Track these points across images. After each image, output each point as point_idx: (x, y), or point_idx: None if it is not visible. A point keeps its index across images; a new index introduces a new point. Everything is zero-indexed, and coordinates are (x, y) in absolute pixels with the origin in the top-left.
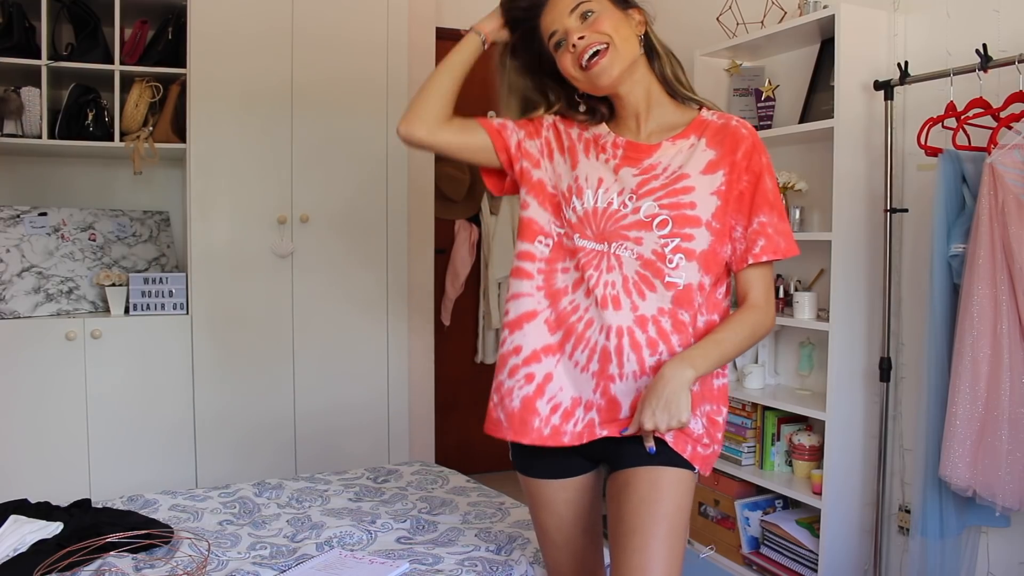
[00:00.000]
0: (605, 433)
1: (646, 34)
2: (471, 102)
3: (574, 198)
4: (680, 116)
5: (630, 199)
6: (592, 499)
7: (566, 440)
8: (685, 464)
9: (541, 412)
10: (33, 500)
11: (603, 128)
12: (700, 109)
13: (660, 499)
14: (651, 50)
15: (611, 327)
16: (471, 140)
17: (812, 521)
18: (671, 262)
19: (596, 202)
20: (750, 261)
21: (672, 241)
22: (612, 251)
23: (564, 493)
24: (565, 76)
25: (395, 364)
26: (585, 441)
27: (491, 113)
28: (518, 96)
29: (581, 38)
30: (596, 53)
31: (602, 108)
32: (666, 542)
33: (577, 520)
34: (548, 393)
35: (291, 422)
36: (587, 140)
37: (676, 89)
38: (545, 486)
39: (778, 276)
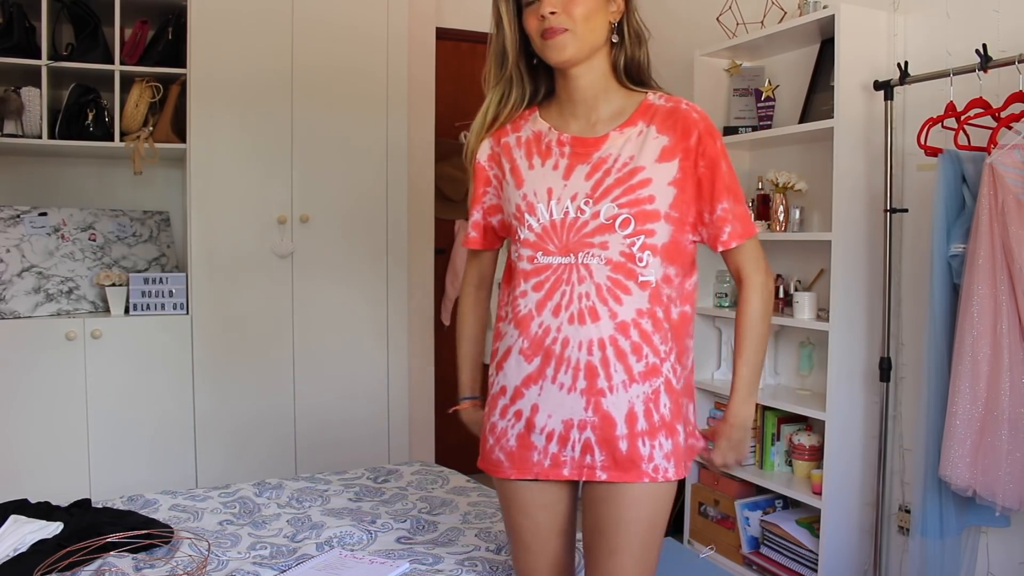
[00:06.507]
0: (605, 477)
1: (621, 20)
2: (471, 100)
3: (526, 216)
4: (627, 102)
5: (586, 203)
6: (569, 503)
7: (566, 472)
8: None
9: (538, 445)
10: (33, 500)
11: (542, 124)
12: (647, 93)
13: (637, 518)
14: (620, 36)
15: (592, 340)
16: (492, 258)
17: (812, 521)
18: (641, 261)
19: (552, 215)
20: (720, 249)
21: (638, 239)
22: (580, 261)
23: (541, 497)
24: (526, 31)
25: (395, 364)
26: (584, 479)
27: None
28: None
29: (553, 13)
30: (557, 32)
31: (545, 82)
32: (640, 561)
33: (553, 524)
34: (539, 424)
35: (291, 422)
36: (528, 143)
37: (632, 75)
38: (522, 489)
39: (778, 276)
